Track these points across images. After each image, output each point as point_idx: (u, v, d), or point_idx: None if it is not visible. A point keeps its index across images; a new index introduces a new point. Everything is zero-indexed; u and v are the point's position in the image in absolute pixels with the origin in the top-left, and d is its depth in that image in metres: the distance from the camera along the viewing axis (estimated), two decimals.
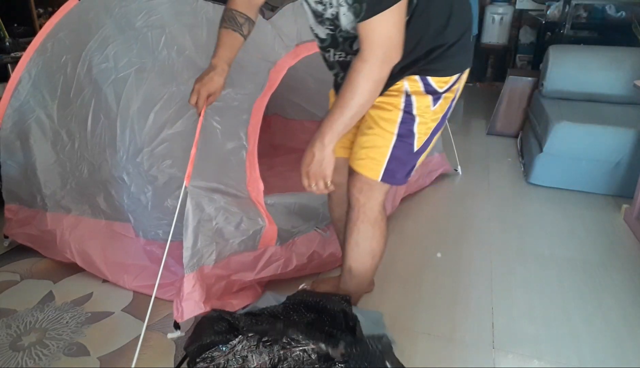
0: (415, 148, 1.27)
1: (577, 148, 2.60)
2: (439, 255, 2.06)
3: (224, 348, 1.14)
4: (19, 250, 2.01)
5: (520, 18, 5.42)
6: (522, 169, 3.00)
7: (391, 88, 1.23)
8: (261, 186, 1.66)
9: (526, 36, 5.39)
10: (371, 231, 1.34)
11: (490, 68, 5.81)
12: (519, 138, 3.51)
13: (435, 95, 1.23)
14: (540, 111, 2.99)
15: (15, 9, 2.73)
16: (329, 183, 1.25)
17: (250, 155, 1.65)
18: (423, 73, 1.20)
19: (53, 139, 1.82)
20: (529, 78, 3.53)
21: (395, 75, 1.18)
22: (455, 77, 1.24)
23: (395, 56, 1.10)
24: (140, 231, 1.70)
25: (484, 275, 1.92)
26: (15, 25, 2.74)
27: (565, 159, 2.65)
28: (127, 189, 1.65)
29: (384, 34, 1.06)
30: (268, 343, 1.15)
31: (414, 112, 1.23)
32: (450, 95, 1.27)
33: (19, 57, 2.42)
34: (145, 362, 1.45)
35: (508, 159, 3.20)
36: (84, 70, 1.74)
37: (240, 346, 1.14)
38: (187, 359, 1.24)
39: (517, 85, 3.55)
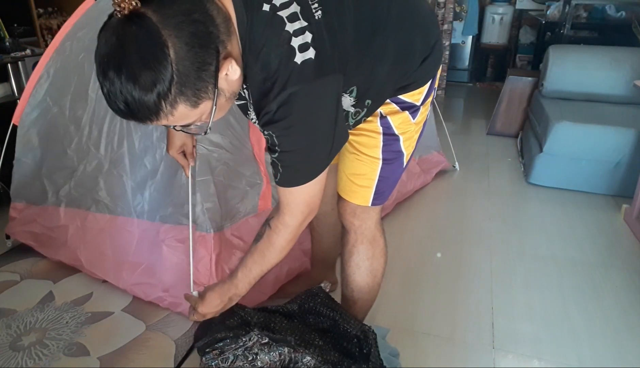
0: (405, 163, 1.21)
1: (577, 148, 2.60)
2: (439, 255, 2.06)
3: (233, 345, 1.13)
4: (19, 250, 2.01)
5: (520, 18, 5.42)
6: (522, 169, 3.00)
7: None
8: (263, 142, 1.64)
9: (526, 36, 5.39)
10: (371, 251, 1.29)
11: (490, 68, 5.82)
12: (519, 138, 3.51)
13: (413, 109, 1.14)
14: (540, 111, 2.99)
15: (15, 9, 2.73)
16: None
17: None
18: (393, 95, 1.11)
19: (63, 134, 1.85)
20: (529, 78, 3.52)
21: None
22: (429, 82, 1.13)
23: (315, 211, 1.03)
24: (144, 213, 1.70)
25: (484, 275, 1.92)
26: (15, 25, 2.74)
27: (565, 159, 2.65)
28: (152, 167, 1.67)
29: (303, 202, 0.99)
30: (279, 344, 1.13)
31: (395, 131, 1.14)
32: (429, 100, 1.17)
33: (19, 57, 2.44)
34: (145, 362, 1.45)
35: (508, 159, 3.20)
36: None
37: (251, 343, 1.13)
38: (195, 348, 1.22)
39: (517, 85, 3.54)
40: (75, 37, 1.90)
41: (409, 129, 1.15)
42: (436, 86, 1.19)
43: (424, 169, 2.67)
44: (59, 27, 3.04)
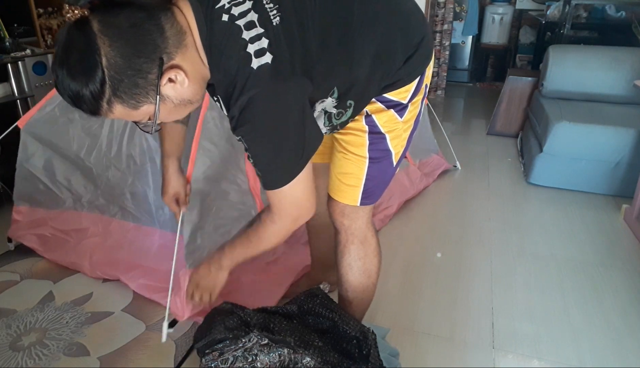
0: (395, 163, 1.20)
1: (577, 148, 2.60)
2: (439, 255, 2.06)
3: (232, 346, 1.13)
4: (19, 250, 2.00)
5: (520, 18, 5.43)
6: (522, 169, 3.01)
7: None
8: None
9: (526, 36, 5.39)
10: (362, 251, 1.28)
11: (490, 68, 5.82)
12: (519, 137, 3.52)
13: (400, 107, 1.12)
14: (540, 111, 3.00)
15: (15, 9, 2.72)
16: (214, 298, 1.25)
17: None
18: (378, 94, 1.09)
19: (78, 145, 1.86)
20: (529, 78, 3.52)
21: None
22: (417, 80, 1.11)
23: (307, 214, 1.05)
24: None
25: (484, 275, 1.92)
26: (15, 25, 2.73)
27: (565, 159, 2.65)
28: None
29: (289, 204, 1.01)
30: (279, 345, 1.13)
31: (381, 130, 1.13)
32: (418, 98, 1.15)
33: (19, 57, 2.44)
34: (145, 362, 1.45)
35: (508, 159, 3.20)
36: None
37: (251, 344, 1.13)
38: (195, 350, 1.23)
39: (517, 85, 3.55)
40: None
41: (395, 127, 1.14)
42: (427, 83, 1.16)
43: (425, 173, 2.68)
44: (59, 27, 3.04)
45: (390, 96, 1.09)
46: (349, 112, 1.07)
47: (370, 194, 1.21)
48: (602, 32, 4.33)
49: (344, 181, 1.19)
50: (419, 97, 1.15)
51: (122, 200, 1.83)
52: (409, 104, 1.12)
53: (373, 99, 1.10)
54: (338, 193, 1.22)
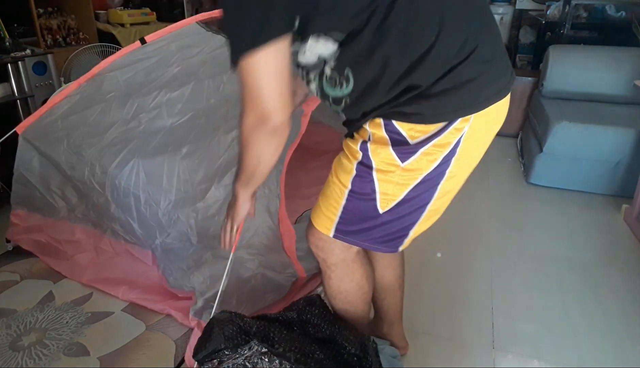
0: (381, 210, 1.03)
1: (577, 148, 2.60)
2: (439, 255, 2.06)
3: (232, 355, 1.12)
4: (19, 251, 2.00)
5: (520, 18, 5.42)
6: (522, 169, 3.01)
7: (358, 131, 1.03)
8: (293, 235, 1.61)
9: (526, 36, 5.39)
10: (343, 286, 1.21)
11: None
12: (519, 137, 3.51)
13: (403, 147, 0.95)
14: (540, 111, 2.99)
15: (15, 9, 2.73)
16: (235, 226, 1.16)
17: (281, 203, 1.58)
18: (388, 116, 0.94)
19: (65, 160, 1.83)
20: (529, 78, 3.52)
21: (359, 119, 0.99)
22: (441, 125, 0.92)
23: (271, 112, 0.86)
24: (171, 277, 1.67)
25: (484, 275, 1.92)
26: (15, 25, 2.74)
27: (565, 159, 2.65)
28: (159, 236, 1.64)
29: (250, 94, 0.86)
30: (279, 358, 1.12)
31: (372, 164, 0.99)
32: (437, 151, 0.95)
33: (19, 57, 2.44)
34: (145, 362, 1.45)
35: (508, 159, 3.20)
36: (132, 111, 1.80)
37: (250, 352, 1.12)
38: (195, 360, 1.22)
39: (517, 85, 3.54)
40: (111, 74, 1.94)
41: (389, 169, 0.99)
42: (460, 137, 0.95)
43: None
44: (59, 27, 3.04)
45: (398, 125, 0.94)
46: (345, 88, 0.94)
47: (346, 233, 1.09)
48: (602, 32, 4.32)
49: (321, 205, 1.12)
50: (440, 149, 0.96)
51: (110, 222, 1.80)
52: (419, 150, 0.95)
53: (379, 121, 0.96)
54: (314, 215, 1.15)
